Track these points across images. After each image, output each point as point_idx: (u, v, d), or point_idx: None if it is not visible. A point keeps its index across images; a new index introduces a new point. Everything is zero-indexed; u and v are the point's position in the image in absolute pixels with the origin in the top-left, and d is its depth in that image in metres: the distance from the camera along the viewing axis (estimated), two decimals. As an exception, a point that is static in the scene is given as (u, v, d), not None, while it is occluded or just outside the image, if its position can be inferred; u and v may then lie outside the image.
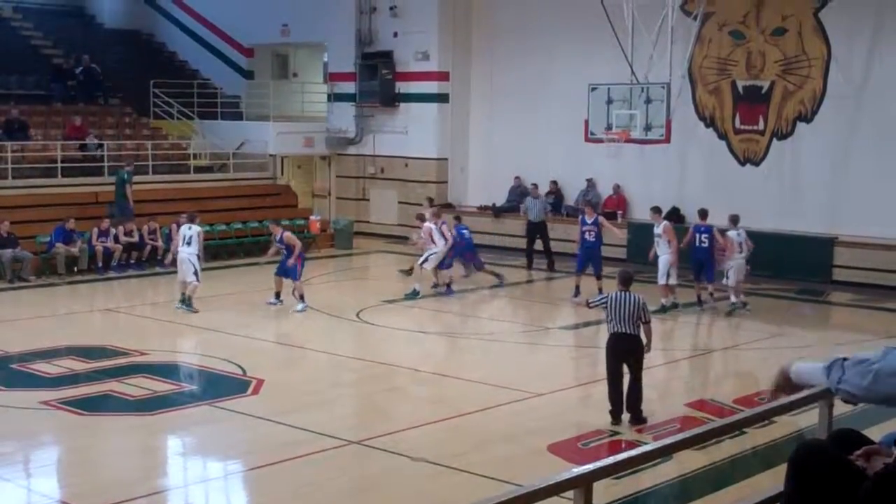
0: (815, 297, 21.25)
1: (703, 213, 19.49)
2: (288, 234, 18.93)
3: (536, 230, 23.76)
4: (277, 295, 18.77)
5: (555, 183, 26.34)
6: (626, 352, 11.89)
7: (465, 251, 21.28)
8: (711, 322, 18.69)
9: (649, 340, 12.02)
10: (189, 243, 18.35)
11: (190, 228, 18.51)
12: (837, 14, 22.43)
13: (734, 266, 18.61)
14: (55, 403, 12.59)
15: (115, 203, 24.00)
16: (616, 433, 11.69)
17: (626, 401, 11.88)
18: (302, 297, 18.57)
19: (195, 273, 18.23)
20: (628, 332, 11.83)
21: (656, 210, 19.44)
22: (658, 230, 18.81)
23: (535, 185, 25.05)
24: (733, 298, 18.72)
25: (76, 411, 12.38)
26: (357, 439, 11.41)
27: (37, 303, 19.63)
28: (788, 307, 20.12)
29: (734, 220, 19.03)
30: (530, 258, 23.81)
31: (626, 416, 11.88)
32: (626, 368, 11.97)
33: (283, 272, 18.67)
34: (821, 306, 20.95)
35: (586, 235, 19.80)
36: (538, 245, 23.66)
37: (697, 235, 18.97)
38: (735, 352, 16.60)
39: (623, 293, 11.96)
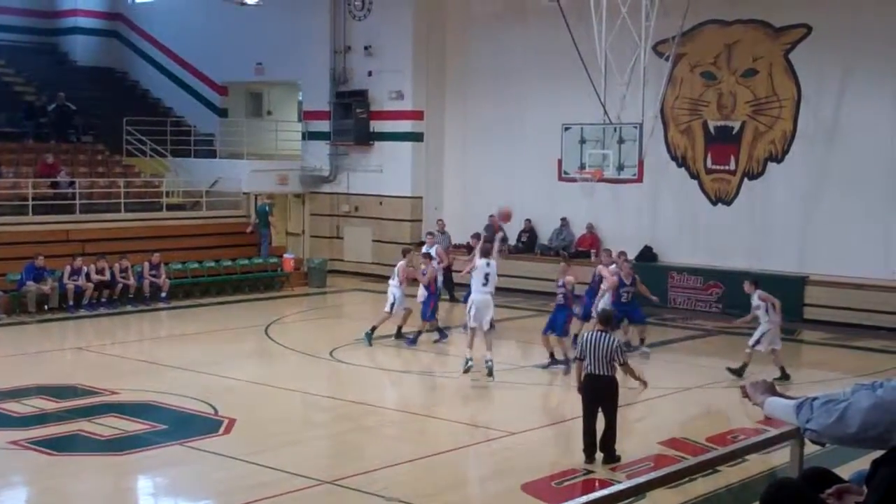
0: (787, 335, 21.31)
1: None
2: (431, 269, 19.45)
3: None
4: (441, 331, 19.49)
5: (529, 221, 26.45)
6: (600, 393, 11.86)
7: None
8: (685, 360, 18.74)
9: (635, 378, 11.86)
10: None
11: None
12: (807, 56, 22.72)
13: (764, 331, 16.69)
14: (24, 443, 12.44)
15: (258, 233, 25.71)
16: (590, 472, 11.67)
17: (599, 441, 11.87)
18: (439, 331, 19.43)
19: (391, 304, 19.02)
20: (603, 373, 11.81)
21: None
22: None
23: (441, 221, 25.69)
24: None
25: (46, 451, 12.25)
26: (330, 479, 11.33)
27: (6, 341, 19.43)
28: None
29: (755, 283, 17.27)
30: None
31: (599, 455, 11.86)
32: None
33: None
34: (793, 345, 21.03)
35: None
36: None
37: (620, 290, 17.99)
38: (708, 390, 16.61)
39: (599, 333, 11.95)
